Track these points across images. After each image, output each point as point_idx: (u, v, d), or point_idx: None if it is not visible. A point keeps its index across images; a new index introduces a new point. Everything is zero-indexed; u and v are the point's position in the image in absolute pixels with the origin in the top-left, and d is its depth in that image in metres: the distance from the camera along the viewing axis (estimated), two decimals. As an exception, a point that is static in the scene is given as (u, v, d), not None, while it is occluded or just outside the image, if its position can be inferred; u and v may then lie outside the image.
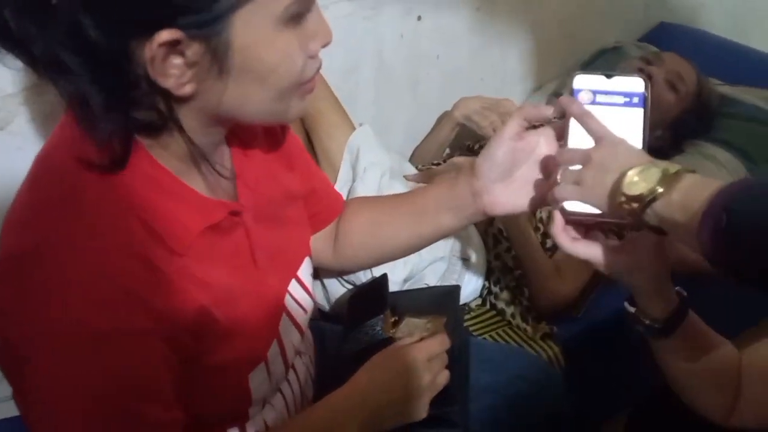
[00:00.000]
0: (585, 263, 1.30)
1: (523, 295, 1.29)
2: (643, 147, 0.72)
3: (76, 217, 0.61)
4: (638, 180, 0.66)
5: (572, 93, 0.75)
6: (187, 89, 0.61)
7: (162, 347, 0.62)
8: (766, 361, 0.81)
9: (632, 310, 0.79)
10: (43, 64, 0.59)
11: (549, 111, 0.78)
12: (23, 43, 0.57)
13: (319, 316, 1.21)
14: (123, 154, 0.62)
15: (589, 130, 0.73)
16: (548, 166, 0.78)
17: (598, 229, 0.76)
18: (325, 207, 0.93)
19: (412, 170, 1.41)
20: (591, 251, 0.75)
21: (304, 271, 0.86)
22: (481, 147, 1.47)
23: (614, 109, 0.74)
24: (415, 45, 1.58)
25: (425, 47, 1.60)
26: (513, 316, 1.30)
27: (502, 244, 1.30)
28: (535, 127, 0.81)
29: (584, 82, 0.75)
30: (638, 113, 0.74)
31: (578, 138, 0.74)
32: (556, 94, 1.73)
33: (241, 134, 0.77)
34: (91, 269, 0.59)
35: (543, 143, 0.80)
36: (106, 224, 0.61)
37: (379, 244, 0.93)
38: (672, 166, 0.66)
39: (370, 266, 1.00)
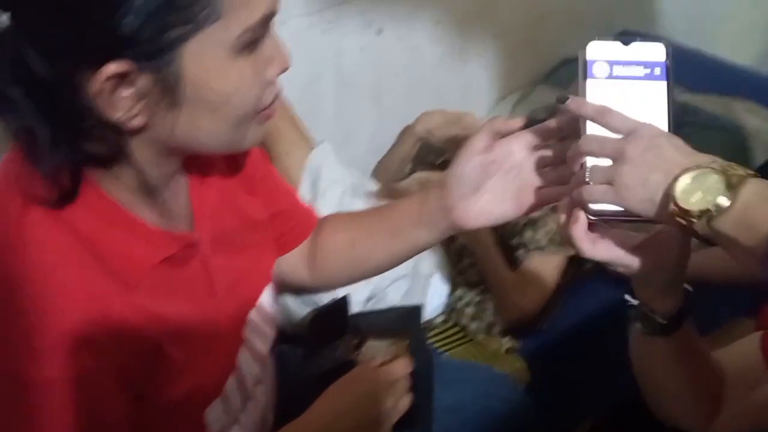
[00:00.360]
0: (548, 277, 1.33)
1: (486, 310, 1.30)
2: (669, 130, 0.63)
3: (19, 259, 0.59)
4: (693, 188, 0.56)
5: (585, 66, 0.65)
6: (138, 121, 0.60)
7: (112, 385, 0.61)
8: (738, 362, 0.79)
9: (635, 303, 0.72)
10: None
11: (518, 124, 0.76)
12: None
13: (279, 338, 1.19)
14: (72, 188, 0.61)
15: (614, 129, 0.62)
16: (570, 160, 0.66)
17: (624, 227, 0.66)
18: (295, 226, 0.91)
19: (374, 186, 1.40)
20: (613, 253, 0.68)
21: (266, 299, 0.84)
22: (445, 162, 1.48)
23: (634, 84, 0.64)
24: (377, 57, 1.58)
25: (387, 60, 1.60)
26: (477, 331, 1.30)
27: (466, 259, 1.31)
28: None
29: (599, 52, 0.65)
30: (660, 88, 0.64)
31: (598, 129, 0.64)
32: (542, 110, 1.72)
33: (199, 162, 0.75)
34: (34, 313, 0.58)
35: (516, 152, 0.77)
36: (51, 264, 0.60)
37: (356, 262, 0.92)
38: (732, 167, 0.57)
39: (347, 284, 0.99)
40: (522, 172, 0.76)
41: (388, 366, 0.84)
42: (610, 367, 1.36)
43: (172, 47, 0.57)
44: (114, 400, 0.62)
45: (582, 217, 0.65)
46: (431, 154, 1.54)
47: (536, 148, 0.76)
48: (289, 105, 1.29)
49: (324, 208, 1.20)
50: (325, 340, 0.98)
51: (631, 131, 0.61)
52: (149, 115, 0.60)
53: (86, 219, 0.62)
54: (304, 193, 1.23)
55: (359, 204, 1.26)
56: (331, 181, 1.23)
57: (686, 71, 1.65)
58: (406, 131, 1.53)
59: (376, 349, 0.97)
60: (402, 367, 0.83)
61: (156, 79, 0.58)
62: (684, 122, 1.56)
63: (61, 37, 0.56)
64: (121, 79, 0.57)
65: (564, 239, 0.69)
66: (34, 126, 0.58)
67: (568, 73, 1.79)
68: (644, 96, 0.64)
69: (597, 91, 0.65)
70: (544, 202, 0.77)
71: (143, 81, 0.57)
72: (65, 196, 0.60)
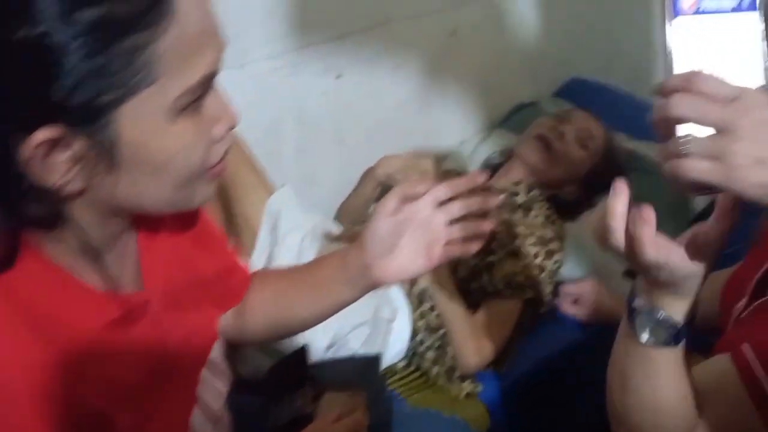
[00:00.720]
0: (506, 320, 1.34)
1: (447, 353, 1.30)
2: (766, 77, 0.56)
3: None
4: None
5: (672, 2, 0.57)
6: (76, 185, 0.57)
7: None
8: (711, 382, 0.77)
9: (662, 314, 0.70)
10: None
11: (423, 188, 0.81)
12: None
13: (237, 386, 1.18)
14: (10, 253, 0.58)
15: (713, 95, 0.54)
16: (658, 123, 0.58)
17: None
18: (235, 284, 0.90)
19: (337, 229, 1.41)
20: (671, 255, 0.66)
21: (216, 354, 0.83)
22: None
23: (723, 19, 0.56)
24: (338, 101, 1.60)
25: (348, 103, 1.62)
26: (438, 376, 1.30)
27: (426, 303, 1.31)
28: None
29: None
30: (752, 20, 0.56)
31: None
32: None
33: (149, 218, 0.74)
34: None
35: (422, 209, 0.81)
36: None
37: (282, 318, 0.91)
38: None
39: (274, 340, 0.99)
40: (429, 227, 0.81)
41: (345, 420, 0.84)
42: (568, 409, 1.38)
43: (105, 112, 0.55)
44: None
45: (652, 218, 0.62)
46: (391, 198, 1.56)
47: (443, 203, 0.80)
48: (248, 148, 1.30)
49: (283, 254, 1.20)
50: (283, 391, 0.98)
51: (736, 97, 0.54)
52: (87, 178, 0.57)
53: (25, 284, 0.59)
54: (263, 239, 1.23)
55: (319, 249, 1.26)
56: (291, 227, 1.23)
57: (632, 119, 1.73)
58: (368, 174, 1.55)
59: (333, 401, 0.97)
60: (359, 422, 0.84)
61: (91, 143, 0.55)
62: (633, 168, 1.62)
63: None
64: (55, 143, 0.54)
65: (604, 239, 0.66)
66: None
67: (523, 118, 1.84)
68: (735, 35, 0.56)
69: (684, 33, 0.57)
70: (448, 256, 0.82)
71: (78, 145, 0.55)
72: (2, 262, 0.58)
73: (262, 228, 1.23)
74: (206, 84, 0.59)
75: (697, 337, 0.81)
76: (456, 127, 1.86)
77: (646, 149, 1.67)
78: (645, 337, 0.71)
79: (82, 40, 0.51)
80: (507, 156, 1.66)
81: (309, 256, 1.22)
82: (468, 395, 1.28)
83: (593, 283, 1.41)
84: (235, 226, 1.25)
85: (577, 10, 1.94)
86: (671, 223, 1.52)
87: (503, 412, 1.29)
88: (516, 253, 1.36)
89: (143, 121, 0.56)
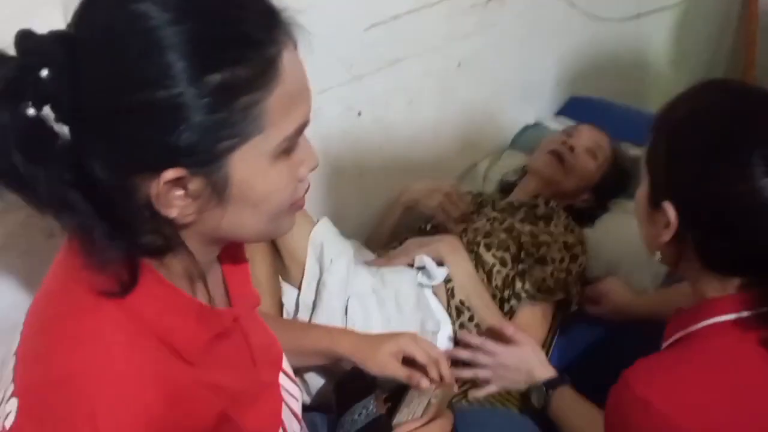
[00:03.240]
0: (541, 322, 1.42)
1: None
2: None
3: (95, 347, 0.65)
4: None
5: None
6: (190, 217, 0.67)
7: None
8: None
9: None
10: (46, 203, 0.63)
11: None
12: (29, 185, 0.61)
13: (303, 408, 1.25)
14: (131, 279, 0.66)
15: None
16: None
17: None
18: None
19: (370, 255, 1.50)
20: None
21: (286, 363, 0.92)
22: (433, 227, 1.59)
23: None
24: (358, 138, 1.70)
25: (367, 139, 1.72)
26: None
27: (465, 314, 1.40)
28: None
29: None
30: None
31: None
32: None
33: (228, 248, 0.82)
34: (113, 397, 0.63)
35: None
36: (122, 350, 0.65)
37: None
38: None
39: None
40: None
41: (426, 428, 0.94)
42: (601, 404, 1.45)
43: (221, 157, 0.64)
44: None
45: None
46: (419, 221, 1.66)
47: None
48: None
49: (332, 280, 1.29)
50: (353, 401, 1.06)
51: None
52: (199, 211, 0.67)
53: (148, 304, 0.68)
54: (311, 268, 1.32)
55: (363, 273, 1.35)
56: (336, 255, 1.32)
57: (630, 128, 1.83)
58: (393, 203, 1.66)
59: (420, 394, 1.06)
60: (440, 428, 0.94)
61: (207, 182, 0.65)
62: (636, 173, 1.72)
63: (123, 150, 0.62)
64: (177, 182, 0.64)
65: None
66: (91, 226, 0.63)
67: (529, 138, 1.96)
68: None
69: None
70: None
71: (195, 184, 0.64)
72: (126, 287, 0.66)
73: (308, 259, 1.32)
74: (300, 132, 0.69)
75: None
76: (467, 152, 1.97)
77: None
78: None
79: (209, 99, 0.62)
80: (521, 173, 1.77)
81: (356, 280, 1.31)
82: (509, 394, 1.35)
83: (614, 282, 1.50)
84: (282, 259, 1.34)
85: (569, 36, 2.07)
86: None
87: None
88: (543, 260, 1.45)
89: (250, 164, 0.66)
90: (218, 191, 0.66)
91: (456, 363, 1.27)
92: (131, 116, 0.61)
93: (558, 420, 1.19)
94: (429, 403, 1.04)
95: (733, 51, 2.85)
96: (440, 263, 1.41)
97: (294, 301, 1.30)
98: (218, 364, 0.74)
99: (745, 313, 0.85)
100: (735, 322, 0.85)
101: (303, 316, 1.29)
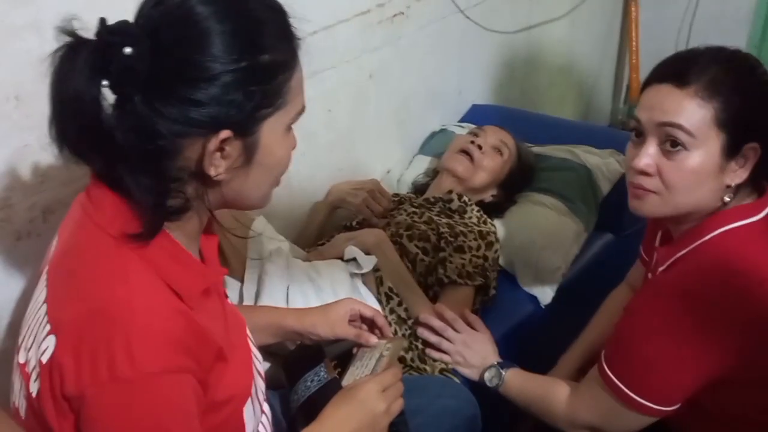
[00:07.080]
0: (463, 306, 1.55)
1: (417, 340, 1.50)
2: None
3: (125, 284, 0.75)
4: None
5: None
6: (222, 176, 0.80)
7: (196, 385, 0.76)
8: None
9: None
10: (118, 155, 0.75)
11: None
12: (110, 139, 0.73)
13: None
14: (152, 230, 0.78)
15: None
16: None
17: None
18: None
19: (301, 253, 1.59)
20: None
21: (248, 330, 1.01)
22: (358, 223, 1.71)
23: None
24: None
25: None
26: (413, 360, 1.49)
27: (394, 299, 1.51)
28: None
29: None
30: None
31: None
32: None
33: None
34: (144, 326, 0.73)
35: None
36: (147, 287, 0.76)
37: None
38: None
39: None
40: None
41: (380, 375, 1.04)
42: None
43: (258, 123, 0.79)
44: (197, 399, 0.76)
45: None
46: (344, 219, 1.77)
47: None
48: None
49: (273, 267, 1.38)
50: (304, 372, 1.14)
51: None
52: (228, 171, 0.80)
53: (159, 255, 0.79)
54: (252, 255, 1.40)
55: (300, 264, 1.44)
56: (275, 246, 1.41)
57: (529, 130, 2.03)
58: (318, 205, 1.75)
59: (373, 348, 1.17)
60: (393, 375, 1.05)
61: (243, 145, 0.79)
62: (541, 168, 1.91)
63: (188, 113, 0.75)
64: (225, 142, 0.77)
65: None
66: (140, 176, 0.75)
67: (437, 142, 2.11)
68: None
69: None
70: None
71: (233, 146, 0.78)
72: (147, 236, 0.77)
73: (249, 252, 1.40)
74: (303, 110, 0.85)
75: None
76: (381, 158, 2.10)
77: (551, 151, 1.96)
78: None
79: (260, 74, 0.77)
80: (433, 174, 1.92)
81: (293, 270, 1.40)
82: (441, 371, 1.47)
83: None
84: (224, 254, 1.41)
85: (468, 48, 2.26)
86: (582, 207, 1.82)
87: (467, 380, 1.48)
88: (461, 249, 1.59)
89: (274, 132, 0.81)
90: (249, 154, 0.80)
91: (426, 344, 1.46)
92: (199, 85, 0.74)
93: (514, 395, 1.32)
94: (381, 356, 1.13)
95: (618, 56, 3.16)
96: (368, 254, 1.52)
97: (237, 293, 1.37)
98: (205, 312, 0.84)
99: (755, 218, 1.05)
100: (746, 226, 1.04)
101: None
